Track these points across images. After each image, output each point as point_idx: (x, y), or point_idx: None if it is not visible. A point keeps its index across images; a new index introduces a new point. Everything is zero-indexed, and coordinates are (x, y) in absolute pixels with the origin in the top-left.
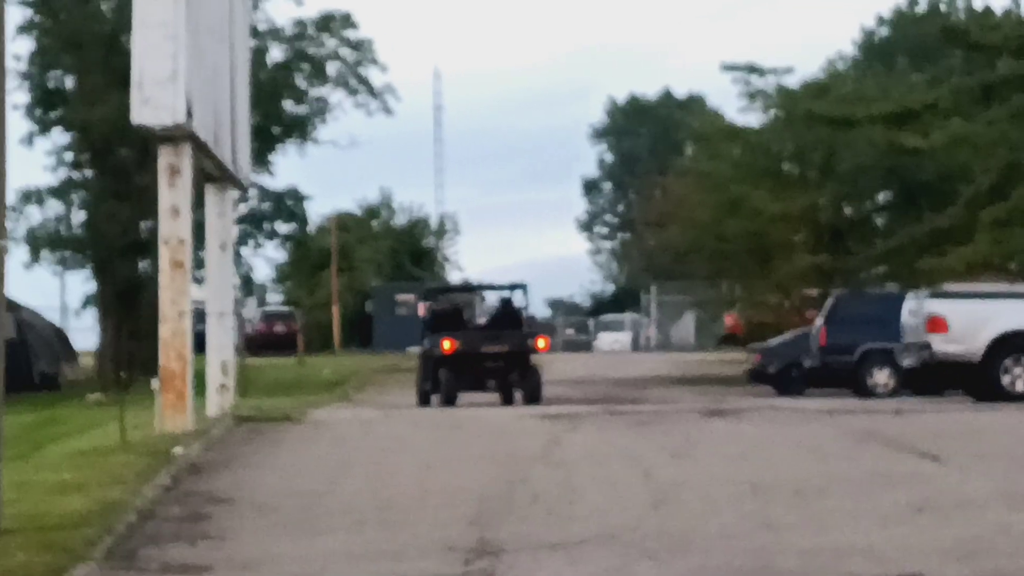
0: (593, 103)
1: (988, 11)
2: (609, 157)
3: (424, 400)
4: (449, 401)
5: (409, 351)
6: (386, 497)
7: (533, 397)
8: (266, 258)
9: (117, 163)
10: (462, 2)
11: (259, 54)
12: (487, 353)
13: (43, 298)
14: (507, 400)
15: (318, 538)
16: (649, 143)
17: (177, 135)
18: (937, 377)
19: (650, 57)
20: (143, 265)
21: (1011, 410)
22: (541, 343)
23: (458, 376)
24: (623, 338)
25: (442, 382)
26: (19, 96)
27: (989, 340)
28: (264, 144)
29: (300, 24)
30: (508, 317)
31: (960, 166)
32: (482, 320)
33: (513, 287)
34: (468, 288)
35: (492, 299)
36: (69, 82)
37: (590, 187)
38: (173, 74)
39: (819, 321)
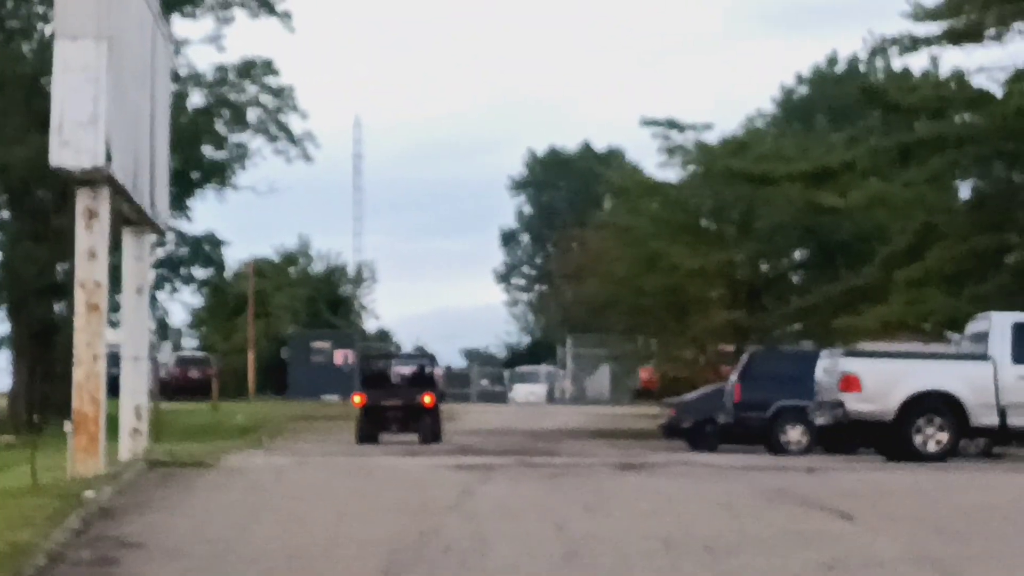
0: (512, 154)
1: (906, 72)
2: (528, 209)
3: (360, 439)
4: (365, 440)
5: (324, 399)
6: (297, 545)
7: (427, 439)
8: (182, 303)
9: (35, 205)
10: (383, 51)
11: (180, 99)
12: (387, 405)
13: None
14: (423, 440)
15: None
16: (568, 196)
17: (96, 178)
18: (850, 435)
19: (569, 110)
20: (59, 307)
21: (923, 470)
22: (427, 399)
23: (369, 422)
24: (538, 390)
25: (358, 426)
26: None
27: (902, 400)
28: (183, 189)
29: (221, 70)
30: (421, 377)
31: (877, 226)
32: (400, 379)
33: (424, 355)
34: (392, 356)
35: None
36: None
37: (508, 238)
38: (93, 117)
39: (734, 377)
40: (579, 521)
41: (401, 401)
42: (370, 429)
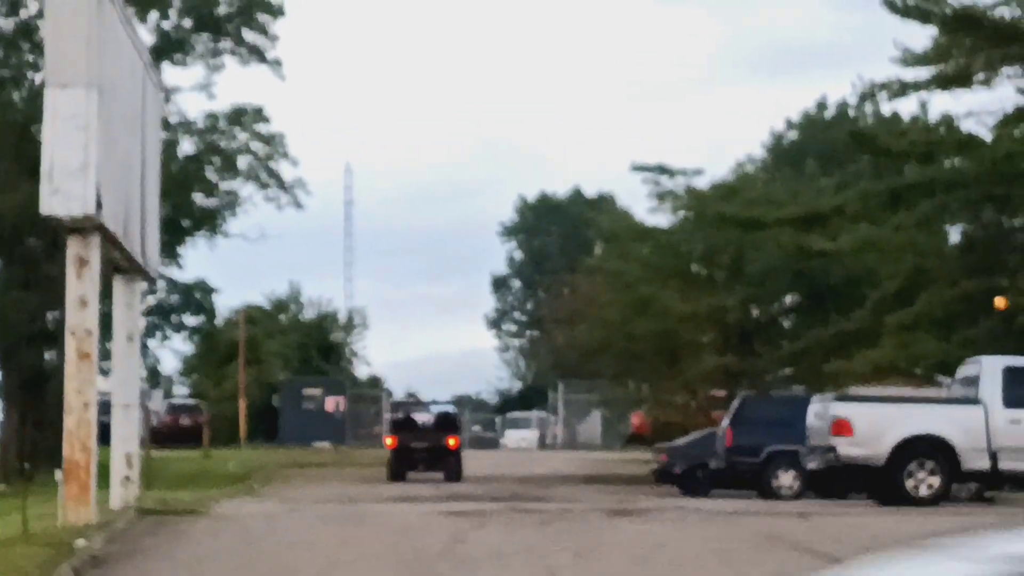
0: (503, 200)
1: (896, 117)
2: (519, 254)
3: (392, 476)
4: (395, 477)
5: (315, 445)
6: None
7: (450, 477)
8: (173, 350)
9: (25, 252)
10: (374, 98)
11: (170, 146)
12: (415, 447)
13: None
14: (448, 478)
15: None
16: (559, 241)
17: (86, 226)
18: (842, 480)
19: (560, 156)
20: (49, 355)
21: (914, 515)
22: (451, 442)
23: (399, 461)
24: (530, 436)
25: (390, 465)
26: None
27: (893, 444)
28: (173, 236)
29: (212, 117)
30: (446, 422)
31: (867, 270)
32: (428, 424)
33: (448, 403)
34: (420, 403)
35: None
36: None
37: (499, 284)
38: (83, 165)
39: (725, 422)
40: (571, 568)
41: (428, 444)
42: (400, 468)
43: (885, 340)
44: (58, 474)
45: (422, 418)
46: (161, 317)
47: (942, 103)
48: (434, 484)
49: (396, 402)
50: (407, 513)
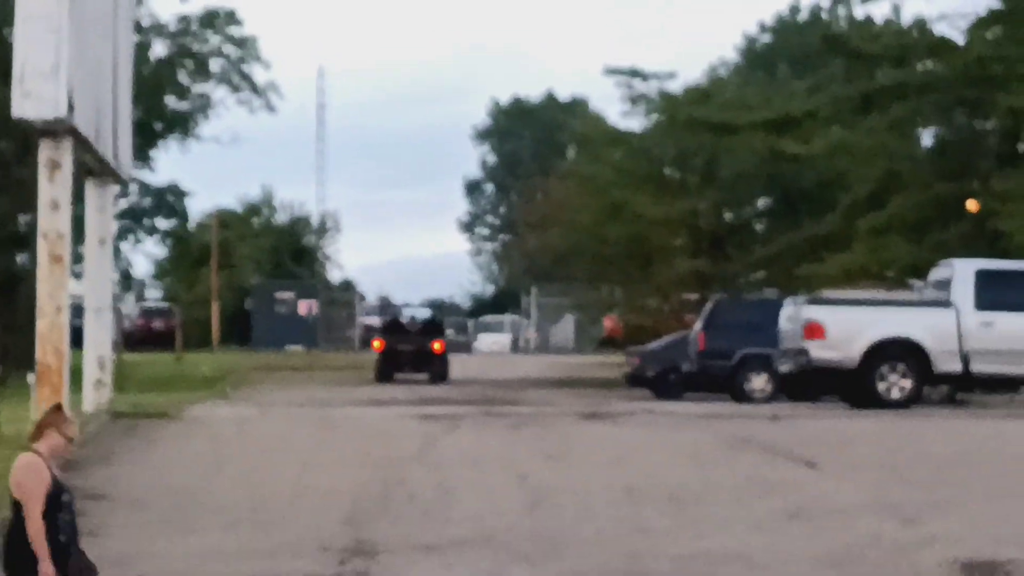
0: (476, 103)
1: (869, 21)
2: (492, 158)
3: (379, 377)
4: (383, 378)
5: (288, 349)
6: (261, 496)
7: (436, 379)
8: (146, 254)
9: None
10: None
11: (142, 49)
12: (402, 350)
13: None
14: (432, 380)
15: (192, 536)
16: (532, 145)
17: (58, 129)
18: (814, 383)
19: (533, 59)
20: (21, 258)
21: (886, 417)
22: (437, 345)
23: (386, 363)
24: (502, 340)
25: (377, 366)
26: None
27: (866, 347)
28: (146, 139)
29: (184, 20)
30: (432, 326)
31: (839, 174)
32: (414, 327)
33: (432, 305)
34: (407, 307)
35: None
36: None
37: (472, 188)
38: (55, 68)
39: (698, 326)
40: (542, 471)
41: (414, 347)
42: (387, 369)
43: (857, 244)
44: (31, 377)
45: (408, 322)
46: (133, 220)
47: (915, 6)
48: (408, 387)
49: (383, 306)
50: (380, 417)
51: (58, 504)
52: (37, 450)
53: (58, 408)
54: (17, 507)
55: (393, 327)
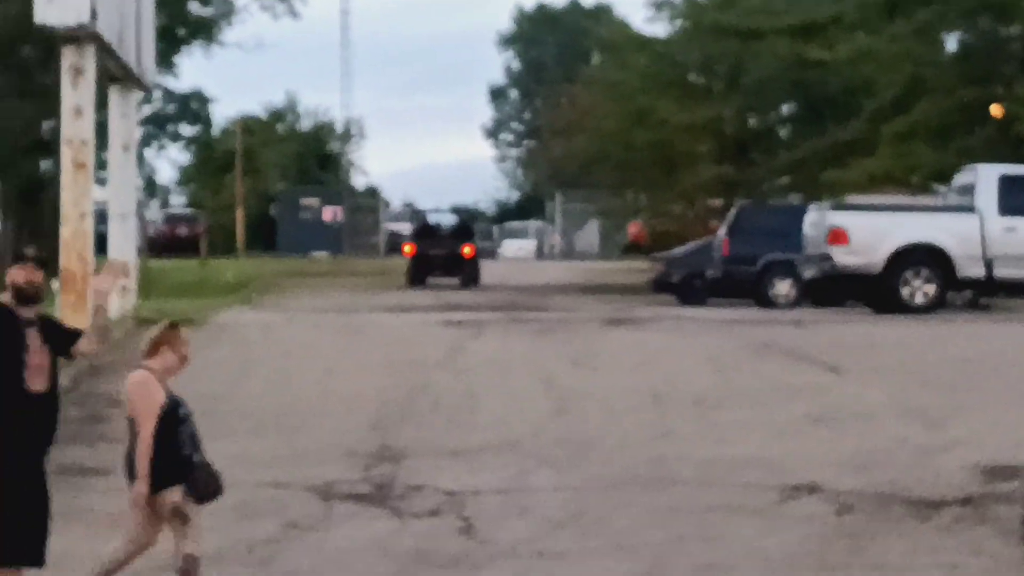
0: (500, 9)
1: None
2: (516, 64)
3: (410, 282)
4: (414, 283)
5: (312, 255)
6: (287, 402)
7: (467, 283)
8: (170, 160)
9: (20, 62)
10: None
11: None
12: (433, 254)
13: None
14: (463, 284)
15: (217, 442)
16: (556, 51)
17: (81, 35)
18: (838, 289)
19: None
20: (45, 165)
21: (910, 322)
22: (467, 250)
23: (417, 268)
24: (527, 246)
25: (409, 271)
26: None
27: (889, 253)
28: (169, 46)
29: None
30: (463, 231)
31: (864, 80)
32: (445, 233)
33: (459, 211)
34: (438, 212)
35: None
36: None
37: (496, 94)
38: None
39: (722, 231)
40: (568, 376)
41: (445, 251)
42: (418, 273)
43: (881, 149)
44: (55, 283)
45: (439, 227)
46: (157, 127)
47: None
48: (433, 292)
49: (416, 210)
50: (405, 323)
51: (176, 418)
52: (150, 367)
53: (174, 326)
54: (133, 423)
55: (424, 232)
